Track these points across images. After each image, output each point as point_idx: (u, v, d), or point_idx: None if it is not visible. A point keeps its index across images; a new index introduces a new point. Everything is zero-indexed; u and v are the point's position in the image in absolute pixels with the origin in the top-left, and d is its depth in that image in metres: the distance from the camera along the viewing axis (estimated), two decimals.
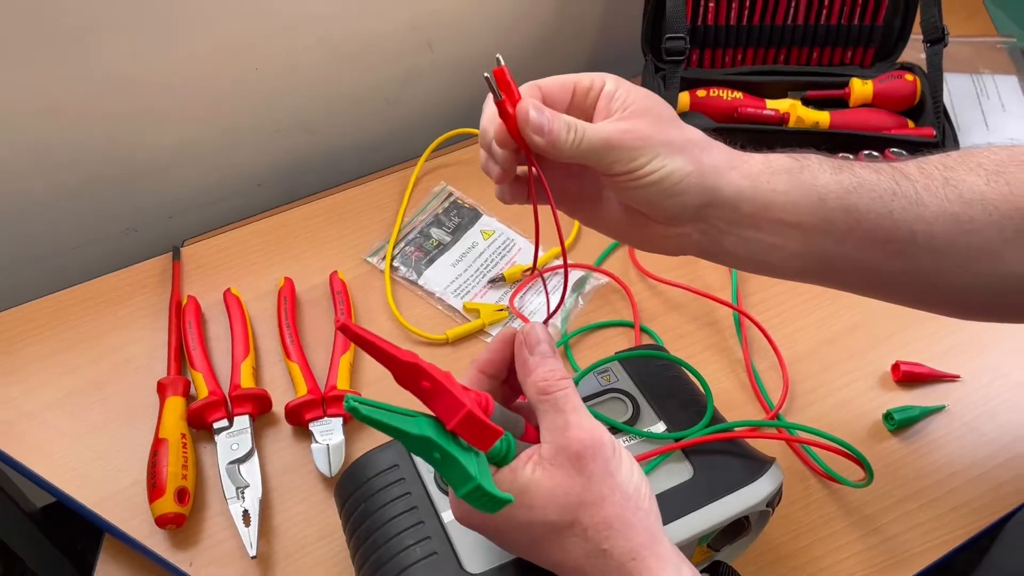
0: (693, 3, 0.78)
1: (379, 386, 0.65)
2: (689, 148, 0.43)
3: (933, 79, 0.76)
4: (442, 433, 0.38)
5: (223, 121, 0.78)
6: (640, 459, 0.50)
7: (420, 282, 0.71)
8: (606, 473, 0.40)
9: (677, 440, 0.52)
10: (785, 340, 0.68)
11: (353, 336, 0.36)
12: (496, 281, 0.70)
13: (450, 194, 0.77)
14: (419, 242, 0.74)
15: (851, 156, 0.74)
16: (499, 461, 0.41)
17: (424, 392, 0.37)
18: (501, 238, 0.73)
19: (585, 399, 0.55)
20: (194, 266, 0.72)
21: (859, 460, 0.55)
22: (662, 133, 0.43)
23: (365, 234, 0.74)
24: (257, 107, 0.78)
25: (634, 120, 0.43)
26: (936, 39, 0.75)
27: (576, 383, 0.55)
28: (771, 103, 0.79)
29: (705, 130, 0.48)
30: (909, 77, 0.77)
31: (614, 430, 0.53)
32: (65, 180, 0.74)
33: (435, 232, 0.74)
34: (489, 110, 0.44)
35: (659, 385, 0.57)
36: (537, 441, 0.42)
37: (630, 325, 0.69)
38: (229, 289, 0.68)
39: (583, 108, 0.45)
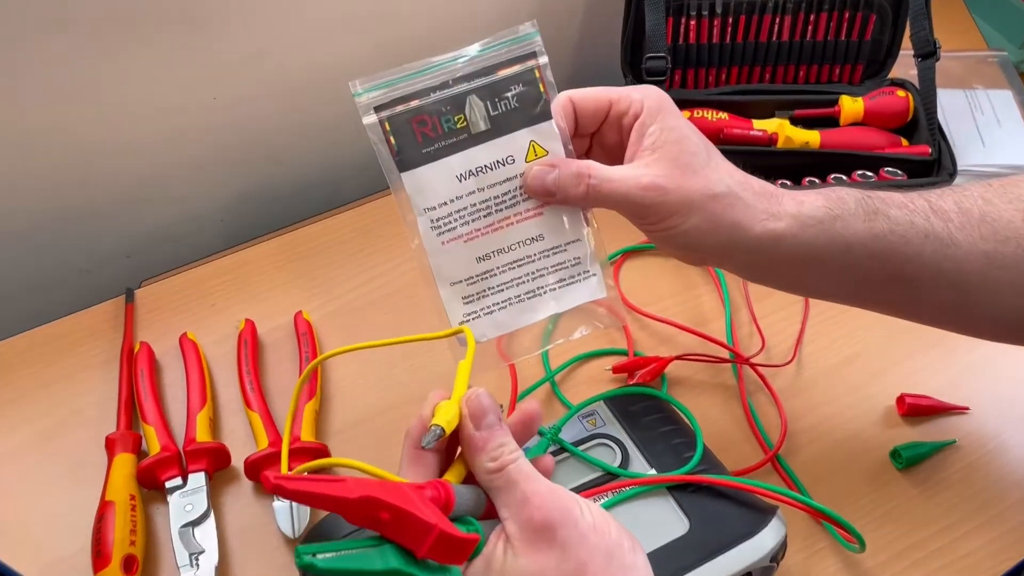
0: (674, 22, 0.76)
1: (347, 435, 0.61)
2: (710, 205, 0.44)
3: (926, 95, 0.74)
4: (412, 561, 0.34)
5: (182, 154, 0.74)
6: (619, 497, 0.46)
7: (405, 182, 0.46)
8: (579, 537, 0.37)
9: (670, 488, 0.48)
10: (782, 374, 0.64)
11: (290, 495, 0.32)
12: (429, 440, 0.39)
13: (533, 54, 0.45)
14: (439, 109, 0.45)
15: (844, 177, 0.71)
16: (472, 555, 0.38)
17: (384, 524, 0.34)
18: None
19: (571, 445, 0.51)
20: (149, 309, 0.68)
21: (849, 532, 0.52)
22: (683, 188, 0.43)
23: (332, 270, 0.71)
24: (218, 138, 0.75)
25: (659, 167, 0.44)
26: (927, 53, 0.73)
27: (559, 429, 0.52)
28: (758, 123, 0.76)
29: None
30: (901, 93, 0.75)
31: (609, 475, 0.49)
32: (15, 222, 0.70)
33: (473, 104, 0.45)
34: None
35: (648, 427, 0.54)
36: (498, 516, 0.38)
37: (623, 353, 0.65)
38: (185, 334, 0.64)
39: (617, 130, 0.46)
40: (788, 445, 0.61)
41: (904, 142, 0.75)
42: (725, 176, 0.46)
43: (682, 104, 0.76)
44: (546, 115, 0.45)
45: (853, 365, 0.66)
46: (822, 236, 0.46)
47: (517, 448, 0.39)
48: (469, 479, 0.40)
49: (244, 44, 0.69)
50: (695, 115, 0.76)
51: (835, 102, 0.77)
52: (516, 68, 0.45)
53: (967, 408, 0.63)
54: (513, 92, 0.45)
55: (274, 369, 0.64)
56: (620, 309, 0.50)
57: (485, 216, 0.46)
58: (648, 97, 0.46)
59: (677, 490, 0.49)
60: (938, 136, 0.73)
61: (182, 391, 0.61)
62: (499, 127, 0.45)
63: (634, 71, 0.78)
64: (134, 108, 0.69)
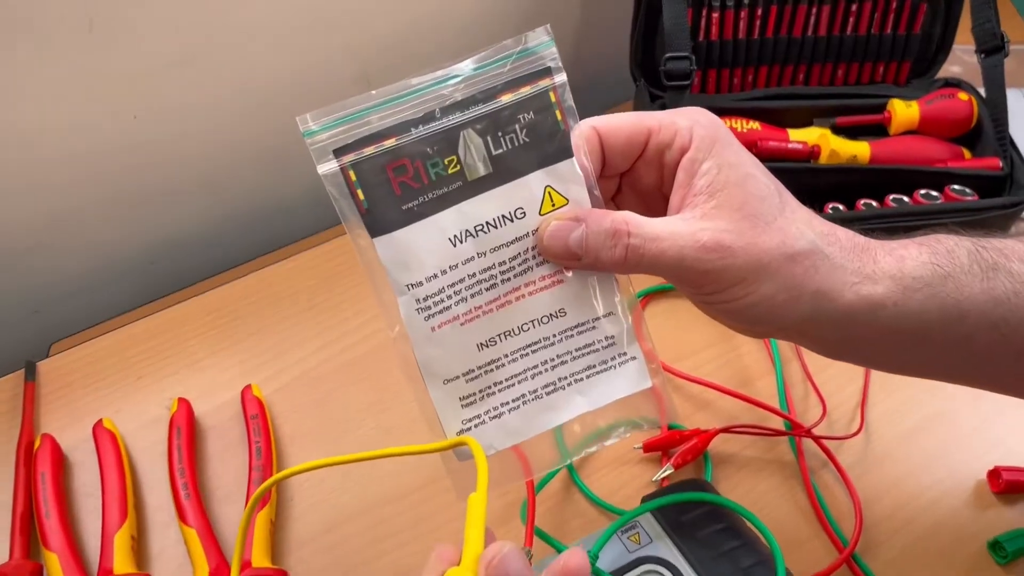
0: (693, 14, 0.64)
1: (312, 549, 0.48)
2: (787, 268, 0.34)
3: (993, 98, 0.63)
4: None
5: (100, 186, 0.61)
6: None
7: (379, 250, 0.34)
8: None
9: None
10: (848, 444, 0.53)
11: None
12: None
13: (547, 71, 0.34)
14: (423, 149, 0.33)
15: (905, 199, 0.60)
16: None
17: None
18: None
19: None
20: (56, 385, 0.55)
21: None
22: (755, 247, 0.33)
23: (288, 329, 0.58)
24: (141, 165, 0.61)
25: (720, 219, 0.33)
26: (993, 48, 0.62)
27: (596, 555, 0.40)
28: (795, 134, 0.65)
29: None
30: (963, 96, 0.64)
31: None
32: None
33: (469, 141, 0.33)
34: None
35: (707, 543, 0.42)
36: None
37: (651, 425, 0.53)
38: (101, 421, 0.51)
39: (656, 168, 0.36)
40: (865, 538, 0.50)
41: (966, 153, 0.64)
42: (805, 227, 0.35)
43: None
44: (565, 152, 0.34)
45: (931, 430, 0.55)
46: (930, 302, 0.35)
47: None
48: None
49: (168, 47, 0.56)
50: None
51: (883, 107, 0.66)
52: (525, 90, 0.34)
53: None
54: (521, 123, 0.34)
55: (217, 463, 0.51)
56: (670, 401, 0.38)
57: (489, 289, 0.35)
58: (698, 124, 0.35)
59: None
60: (1009, 146, 0.62)
61: (97, 500, 0.48)
62: (504, 170, 0.34)
63: (647, 74, 0.66)
64: (28, 132, 0.55)
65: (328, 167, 0.33)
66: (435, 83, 0.33)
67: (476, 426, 0.36)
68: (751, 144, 0.63)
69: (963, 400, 0.56)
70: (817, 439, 0.52)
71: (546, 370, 0.36)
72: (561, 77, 0.34)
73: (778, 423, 0.54)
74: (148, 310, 0.59)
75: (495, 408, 0.36)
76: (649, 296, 0.60)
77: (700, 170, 0.34)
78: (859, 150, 0.63)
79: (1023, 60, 0.77)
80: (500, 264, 0.34)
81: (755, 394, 0.55)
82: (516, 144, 0.33)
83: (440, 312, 0.34)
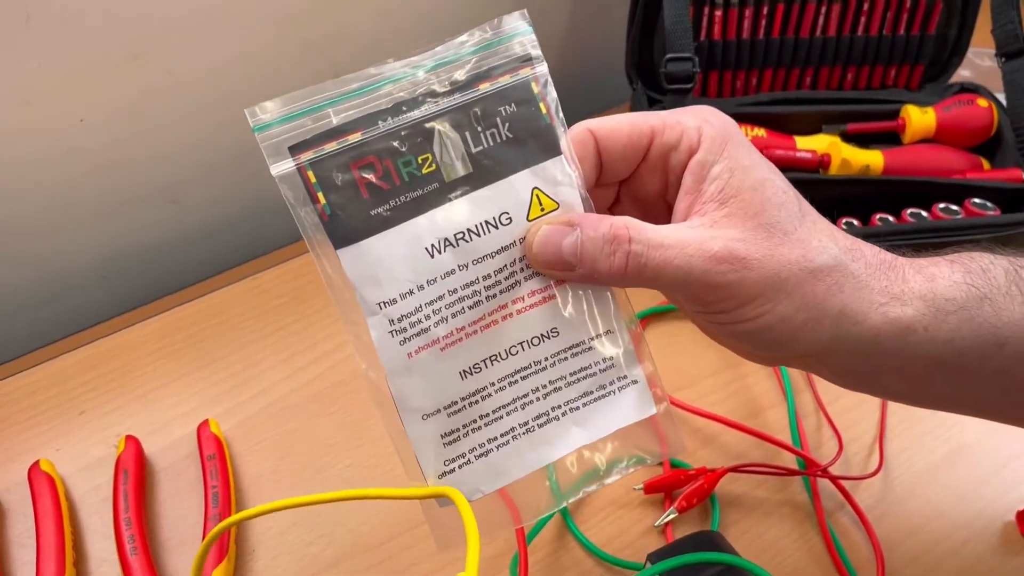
0: (695, 12, 0.60)
1: None
2: (808, 285, 0.31)
3: (1015, 104, 0.60)
4: None
5: (45, 195, 0.58)
6: None
7: (344, 263, 0.30)
8: None
9: None
10: (869, 486, 0.50)
11: None
12: None
13: (527, 59, 0.31)
14: (392, 146, 0.29)
15: (924, 212, 0.57)
16: None
17: None
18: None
19: None
20: None
21: None
22: (773, 259, 0.30)
23: (252, 354, 0.54)
24: (91, 172, 0.58)
25: (733, 227, 0.30)
26: (1016, 51, 0.60)
27: None
28: (803, 141, 0.61)
29: None
30: (983, 102, 0.61)
31: None
32: None
33: (444, 137, 0.30)
34: None
35: None
36: None
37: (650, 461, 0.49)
38: (38, 462, 0.46)
39: (660, 173, 0.33)
40: None
41: (985, 164, 0.61)
42: (827, 240, 0.32)
43: None
44: (552, 149, 0.31)
45: (953, 466, 0.51)
46: (965, 327, 0.32)
47: None
48: None
49: (116, 42, 0.52)
50: None
51: (896, 113, 0.63)
52: (504, 80, 0.31)
53: None
54: (503, 116, 0.31)
55: (169, 510, 0.47)
56: (676, 431, 0.35)
57: (472, 307, 0.31)
58: (707, 124, 0.32)
59: None
60: None
61: (31, 552, 0.44)
62: (485, 170, 0.31)
63: (644, 76, 0.63)
64: None
65: (283, 167, 0.29)
66: (404, 70, 0.30)
67: (460, 467, 0.32)
68: None
69: (987, 434, 0.52)
70: (834, 479, 0.49)
71: (538, 399, 0.33)
72: (542, 68, 0.31)
73: (790, 460, 0.50)
74: (93, 334, 0.55)
75: (481, 445, 0.32)
76: (647, 318, 0.57)
77: (710, 174, 0.31)
78: (872, 159, 0.60)
79: None
80: (484, 278, 0.31)
81: (764, 427, 0.52)
82: (498, 140, 0.31)
83: (417, 335, 0.31)
